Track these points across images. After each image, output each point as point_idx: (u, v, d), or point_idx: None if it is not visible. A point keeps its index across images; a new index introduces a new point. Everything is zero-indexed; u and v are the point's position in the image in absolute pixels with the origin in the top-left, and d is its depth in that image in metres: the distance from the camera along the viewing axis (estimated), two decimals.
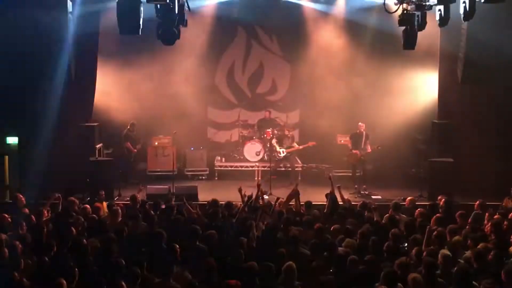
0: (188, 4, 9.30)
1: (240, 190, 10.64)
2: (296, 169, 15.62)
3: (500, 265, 7.31)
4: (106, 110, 15.41)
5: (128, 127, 15.25)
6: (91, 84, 14.15)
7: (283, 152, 14.36)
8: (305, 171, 16.17)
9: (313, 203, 10.84)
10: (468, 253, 7.85)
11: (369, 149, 14.20)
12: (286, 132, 14.70)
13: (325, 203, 10.76)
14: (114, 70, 15.40)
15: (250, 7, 16.54)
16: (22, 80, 13.11)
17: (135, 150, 15.28)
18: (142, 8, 8.15)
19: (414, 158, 16.07)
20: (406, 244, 8.35)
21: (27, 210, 9.85)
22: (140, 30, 8.23)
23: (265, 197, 12.63)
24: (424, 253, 7.68)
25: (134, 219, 9.50)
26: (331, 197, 10.57)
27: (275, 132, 15.80)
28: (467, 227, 9.25)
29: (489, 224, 9.03)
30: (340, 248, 7.82)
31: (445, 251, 7.53)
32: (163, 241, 8.08)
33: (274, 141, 14.88)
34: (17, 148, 13.84)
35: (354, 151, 14.31)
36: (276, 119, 16.60)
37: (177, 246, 7.78)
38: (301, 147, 14.74)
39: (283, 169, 14.51)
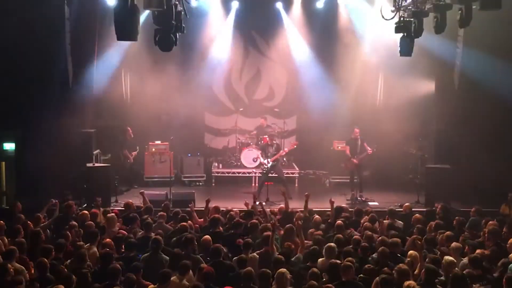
0: (185, 11, 9.31)
1: (247, 204, 10.68)
2: (293, 175, 15.63)
3: (497, 272, 7.32)
4: (103, 115, 15.43)
5: (123, 133, 15.17)
6: (88, 90, 14.13)
7: (268, 162, 14.17)
8: (302, 178, 16.21)
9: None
10: (465, 260, 7.86)
11: (369, 150, 14.11)
12: (269, 142, 14.56)
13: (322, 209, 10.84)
14: (111, 75, 15.41)
15: (248, 13, 16.60)
16: (19, 86, 13.10)
17: (132, 158, 15.17)
18: (139, 15, 8.15)
19: (411, 165, 16.09)
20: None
21: (23, 216, 9.82)
22: (137, 36, 8.23)
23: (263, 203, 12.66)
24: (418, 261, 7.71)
25: (130, 226, 9.50)
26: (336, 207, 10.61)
27: (265, 139, 15.65)
28: (464, 233, 9.27)
29: (487, 230, 9.02)
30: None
31: (449, 257, 7.54)
32: (160, 247, 8.06)
33: (259, 153, 14.78)
34: (14, 154, 13.80)
35: (352, 160, 14.25)
36: (272, 126, 16.60)
37: (174, 252, 7.78)
38: (283, 152, 14.70)
39: (275, 175, 14.43)
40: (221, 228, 9.47)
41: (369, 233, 8.91)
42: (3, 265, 7.15)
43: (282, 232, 9.22)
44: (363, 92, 16.59)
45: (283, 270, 6.97)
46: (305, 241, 8.62)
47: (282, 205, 11.02)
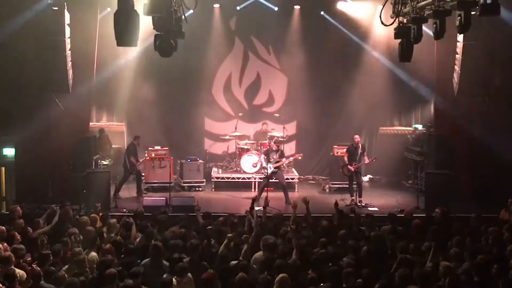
0: (185, 16, 9.33)
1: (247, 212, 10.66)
2: (293, 180, 15.62)
3: (498, 278, 7.31)
4: (103, 120, 15.48)
5: (133, 140, 15.09)
6: (88, 95, 14.14)
7: (270, 168, 14.17)
8: (302, 183, 16.21)
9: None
10: (465, 265, 7.85)
11: (366, 161, 14.17)
12: (274, 147, 14.60)
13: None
14: (111, 80, 15.43)
15: (247, 19, 16.63)
16: (19, 92, 13.10)
17: (138, 166, 15.04)
18: (139, 20, 8.16)
19: (411, 170, 16.09)
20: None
21: (22, 221, 9.81)
22: (137, 42, 8.24)
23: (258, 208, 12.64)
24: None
25: (129, 231, 9.49)
26: (338, 209, 10.61)
27: (271, 145, 15.69)
28: (466, 239, 9.25)
29: (489, 237, 8.95)
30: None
31: (446, 263, 7.53)
32: (160, 253, 8.04)
33: (262, 157, 14.78)
34: (13, 160, 13.80)
35: (349, 167, 14.23)
36: (273, 131, 16.60)
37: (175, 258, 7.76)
38: (286, 161, 14.76)
39: (277, 180, 14.43)
40: None
41: None
42: (11, 272, 7.15)
43: None
44: (363, 96, 16.60)
45: (284, 275, 6.96)
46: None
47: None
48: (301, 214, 10.59)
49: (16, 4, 12.65)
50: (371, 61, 16.12)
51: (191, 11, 8.95)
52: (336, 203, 10.81)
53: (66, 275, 7.36)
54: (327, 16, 16.54)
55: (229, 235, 8.59)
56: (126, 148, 15.16)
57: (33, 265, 7.68)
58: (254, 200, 11.06)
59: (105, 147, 15.36)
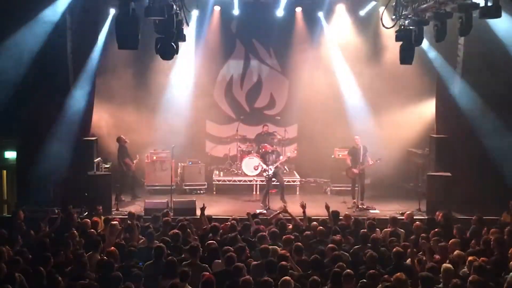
0: (186, 19, 9.36)
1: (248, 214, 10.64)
2: (294, 183, 15.62)
3: (499, 280, 7.31)
4: (104, 123, 15.47)
5: (122, 142, 15.08)
6: (89, 98, 14.15)
7: (270, 170, 14.14)
8: (303, 185, 16.21)
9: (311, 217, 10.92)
10: (465, 269, 7.84)
11: (370, 162, 14.13)
12: (269, 149, 14.61)
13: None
14: (112, 84, 15.43)
15: (249, 21, 16.65)
16: (20, 95, 13.12)
17: (133, 166, 15.07)
18: (140, 23, 8.19)
19: (412, 173, 16.07)
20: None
21: (24, 225, 9.82)
22: (138, 45, 8.26)
23: (263, 211, 12.67)
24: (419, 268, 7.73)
25: (131, 234, 9.49)
26: (333, 212, 10.64)
27: (266, 147, 15.65)
28: (471, 242, 9.25)
29: (493, 239, 8.94)
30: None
31: (447, 265, 7.52)
32: (163, 255, 8.04)
33: (260, 161, 14.74)
34: (15, 163, 13.82)
35: (353, 169, 14.19)
36: (274, 133, 16.61)
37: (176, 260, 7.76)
38: (284, 158, 14.78)
39: (278, 183, 14.41)
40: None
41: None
42: (11, 274, 7.15)
43: None
44: (364, 98, 16.58)
45: (288, 278, 6.95)
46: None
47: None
48: (301, 217, 10.68)
49: (19, 8, 12.68)
50: (371, 62, 16.11)
51: (193, 13, 8.96)
52: (326, 206, 10.86)
53: (66, 278, 7.37)
54: (325, 19, 16.56)
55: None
56: (117, 152, 15.04)
57: (35, 267, 7.68)
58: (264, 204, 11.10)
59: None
